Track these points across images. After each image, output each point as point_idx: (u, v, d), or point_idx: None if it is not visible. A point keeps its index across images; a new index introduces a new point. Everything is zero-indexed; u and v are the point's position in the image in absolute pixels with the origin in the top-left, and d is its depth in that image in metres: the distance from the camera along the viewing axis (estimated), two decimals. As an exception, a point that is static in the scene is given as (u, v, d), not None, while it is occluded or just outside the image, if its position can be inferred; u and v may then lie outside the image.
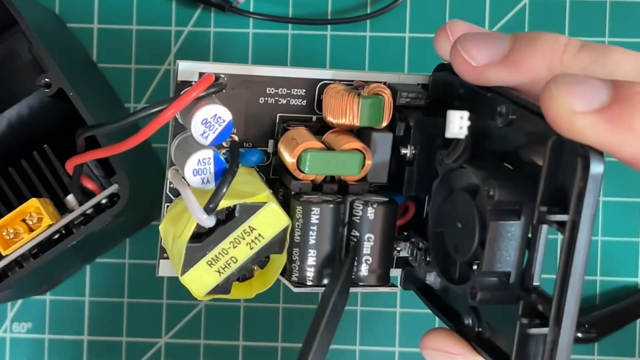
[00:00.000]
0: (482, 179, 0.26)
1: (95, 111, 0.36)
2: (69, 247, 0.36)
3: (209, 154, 0.28)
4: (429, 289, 0.32)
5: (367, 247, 0.30)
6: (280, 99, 0.30)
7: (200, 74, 0.28)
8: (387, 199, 0.30)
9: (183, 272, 0.29)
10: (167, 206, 0.31)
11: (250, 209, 0.29)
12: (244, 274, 0.30)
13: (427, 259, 0.31)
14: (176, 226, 0.29)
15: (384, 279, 0.31)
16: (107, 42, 0.49)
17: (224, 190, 0.27)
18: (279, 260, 0.30)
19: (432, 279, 0.32)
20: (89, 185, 0.36)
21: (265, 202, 0.29)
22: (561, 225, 0.25)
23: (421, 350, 0.30)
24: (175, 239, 0.29)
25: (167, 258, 0.31)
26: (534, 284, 0.26)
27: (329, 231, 0.30)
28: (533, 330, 0.26)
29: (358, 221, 0.30)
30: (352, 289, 0.31)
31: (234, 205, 0.29)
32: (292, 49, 0.49)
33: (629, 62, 0.26)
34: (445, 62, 0.30)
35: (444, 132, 0.28)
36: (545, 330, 0.25)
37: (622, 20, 0.49)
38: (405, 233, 0.32)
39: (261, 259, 0.30)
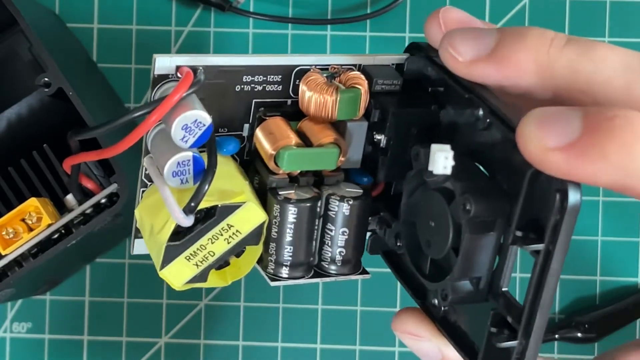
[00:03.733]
0: (459, 191, 0.26)
1: (95, 111, 0.36)
2: (69, 247, 0.36)
3: (188, 156, 0.28)
4: (396, 255, 0.32)
5: (341, 240, 0.31)
6: (256, 85, 0.30)
7: (177, 67, 0.28)
8: (361, 192, 0.31)
9: (162, 267, 0.29)
10: (143, 191, 0.31)
11: (230, 209, 0.29)
12: (220, 264, 0.31)
13: (398, 243, 0.31)
14: (154, 219, 0.29)
15: (357, 267, 0.32)
16: (107, 42, 0.49)
17: (204, 192, 0.28)
18: (255, 250, 0.31)
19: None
20: (89, 184, 0.36)
21: (244, 202, 0.29)
22: (535, 251, 0.25)
23: (394, 332, 0.31)
24: (153, 233, 0.29)
25: (142, 238, 0.31)
26: (503, 289, 0.27)
27: (306, 229, 0.30)
28: (502, 344, 0.26)
29: (333, 216, 0.31)
30: (325, 279, 0.31)
31: (213, 206, 0.29)
32: (292, 49, 0.49)
33: (615, 58, 0.26)
34: (420, 44, 0.30)
35: (419, 123, 0.28)
36: (513, 343, 0.26)
37: (622, 20, 0.49)
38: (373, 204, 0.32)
39: (238, 250, 0.30)
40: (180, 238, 0.29)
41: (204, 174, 0.28)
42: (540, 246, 0.25)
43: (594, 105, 0.26)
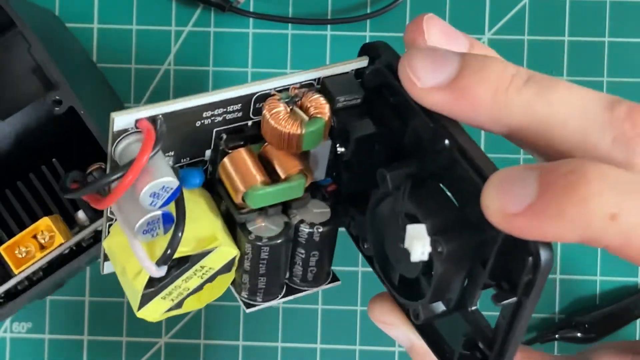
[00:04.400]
0: (429, 228, 0.26)
1: (96, 113, 0.36)
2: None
3: (157, 215, 0.27)
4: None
5: (312, 262, 0.31)
6: (216, 117, 0.29)
7: (136, 120, 0.28)
8: (329, 213, 0.31)
9: (139, 309, 0.30)
10: (109, 225, 0.31)
11: (202, 254, 0.29)
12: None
13: (365, 246, 0.31)
14: (126, 263, 0.29)
15: (327, 278, 0.32)
16: (107, 42, 0.49)
17: (175, 248, 0.28)
18: (227, 276, 0.31)
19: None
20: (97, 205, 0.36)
21: (217, 247, 0.29)
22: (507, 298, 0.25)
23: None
24: (127, 277, 0.29)
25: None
26: (472, 308, 0.27)
27: (278, 263, 0.30)
28: None
29: (304, 242, 0.31)
30: (297, 295, 0.32)
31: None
32: (292, 49, 0.49)
33: (572, 99, 0.26)
34: (377, 45, 0.30)
35: (382, 142, 0.28)
36: None
37: (622, 20, 0.49)
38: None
39: (210, 280, 0.31)
40: (155, 284, 0.29)
41: (174, 227, 0.28)
42: (513, 299, 0.25)
43: (547, 147, 0.26)
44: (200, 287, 0.31)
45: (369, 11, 0.49)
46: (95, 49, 0.49)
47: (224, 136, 0.30)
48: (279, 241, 0.30)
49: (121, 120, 0.27)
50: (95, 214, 0.36)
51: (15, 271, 0.35)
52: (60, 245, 0.35)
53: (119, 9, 0.49)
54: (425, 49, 0.28)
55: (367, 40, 0.49)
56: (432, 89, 0.26)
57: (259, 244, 0.29)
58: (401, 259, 0.28)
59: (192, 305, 0.31)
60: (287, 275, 0.32)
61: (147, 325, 0.49)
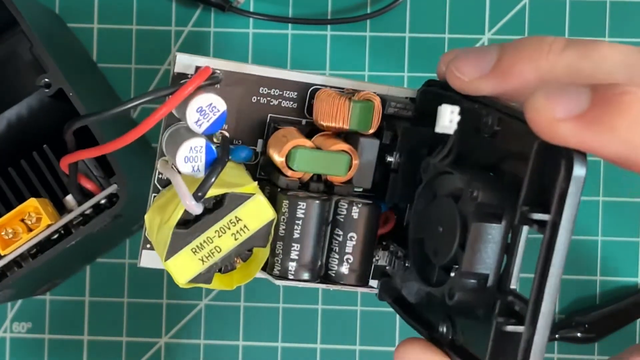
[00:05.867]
0: (466, 181, 0.27)
1: (95, 111, 0.36)
2: (68, 247, 0.36)
3: (201, 142, 0.28)
4: (405, 300, 0.32)
5: (349, 246, 0.31)
6: (272, 99, 0.30)
7: (197, 68, 0.29)
8: (371, 201, 0.31)
9: (167, 258, 0.29)
10: (154, 196, 0.31)
11: (238, 199, 0.29)
12: (226, 265, 0.31)
13: (406, 264, 0.31)
14: (163, 214, 0.29)
15: (363, 279, 0.32)
16: (107, 42, 0.49)
17: (214, 178, 0.28)
18: (261, 254, 0.31)
19: (407, 290, 0.32)
20: (88, 185, 0.36)
21: (253, 194, 0.29)
22: (542, 225, 0.25)
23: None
24: (161, 225, 0.29)
25: (150, 249, 0.32)
26: (511, 287, 0.27)
27: (314, 227, 0.30)
28: (509, 328, 0.26)
29: (342, 220, 0.31)
30: (331, 286, 0.31)
31: (222, 195, 0.29)
32: (292, 49, 0.49)
33: (615, 55, 0.26)
34: (436, 80, 0.31)
35: (429, 141, 0.28)
36: (521, 328, 0.25)
37: (622, 20, 0.49)
38: (384, 243, 0.33)
39: (244, 251, 0.30)
40: (189, 225, 0.29)
41: (214, 163, 0.28)
42: (546, 217, 0.25)
43: None
44: (232, 266, 0.30)
45: (369, 11, 0.49)
46: (95, 49, 0.49)
47: (277, 125, 0.31)
48: (316, 201, 0.30)
49: (183, 59, 0.29)
50: (84, 198, 0.36)
51: (2, 252, 0.35)
52: (48, 227, 0.35)
53: (119, 9, 0.49)
54: (463, 50, 0.29)
55: (367, 40, 0.49)
56: (478, 79, 0.28)
57: (297, 200, 0.30)
58: (439, 246, 0.28)
59: (222, 283, 0.31)
60: (324, 266, 0.31)
61: (147, 325, 0.49)
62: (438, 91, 0.31)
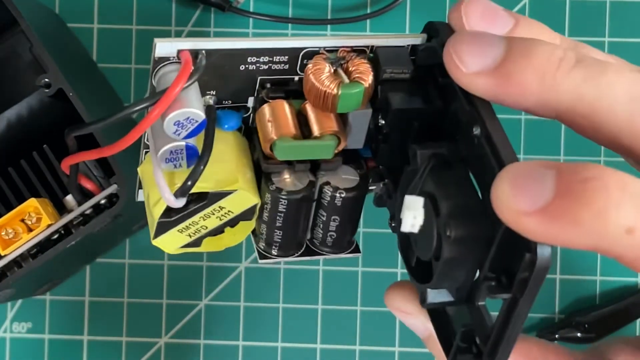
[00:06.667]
0: (444, 212, 0.26)
1: (95, 111, 0.36)
2: (68, 247, 0.36)
3: (180, 146, 0.28)
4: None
5: (332, 227, 0.31)
6: (261, 65, 0.29)
7: (179, 51, 0.28)
8: (357, 181, 0.31)
9: (155, 237, 0.30)
10: (146, 152, 0.31)
11: (221, 195, 0.29)
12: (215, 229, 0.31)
13: (393, 224, 0.31)
14: (150, 190, 0.30)
15: (348, 247, 0.32)
16: (107, 42, 0.49)
17: (195, 179, 0.28)
18: (249, 223, 0.31)
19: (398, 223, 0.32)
20: (88, 185, 0.36)
21: (236, 190, 0.29)
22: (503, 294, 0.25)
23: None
24: (148, 204, 0.30)
25: None
26: (479, 303, 0.27)
27: (295, 217, 0.31)
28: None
29: (326, 205, 0.31)
30: (315, 257, 0.32)
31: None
32: (292, 49, 0.49)
33: (621, 83, 0.25)
34: (437, 25, 0.29)
35: (421, 119, 0.28)
36: None
37: (622, 20, 0.49)
38: (380, 167, 0.32)
39: (231, 224, 0.31)
40: (173, 215, 0.29)
41: (197, 159, 0.28)
42: (507, 295, 0.25)
43: (595, 131, 0.25)
44: (220, 230, 0.31)
45: (369, 11, 0.49)
46: (95, 49, 0.49)
47: (268, 85, 0.30)
48: (298, 197, 0.30)
49: (163, 46, 0.28)
50: (84, 198, 0.36)
51: (2, 252, 0.35)
52: (48, 227, 0.35)
53: (119, 9, 0.49)
54: (470, 33, 0.27)
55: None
56: (477, 74, 0.26)
57: (278, 195, 0.30)
58: (419, 240, 0.28)
59: (211, 245, 0.31)
60: (309, 236, 0.32)
61: (147, 325, 0.49)
62: (438, 55, 0.29)
